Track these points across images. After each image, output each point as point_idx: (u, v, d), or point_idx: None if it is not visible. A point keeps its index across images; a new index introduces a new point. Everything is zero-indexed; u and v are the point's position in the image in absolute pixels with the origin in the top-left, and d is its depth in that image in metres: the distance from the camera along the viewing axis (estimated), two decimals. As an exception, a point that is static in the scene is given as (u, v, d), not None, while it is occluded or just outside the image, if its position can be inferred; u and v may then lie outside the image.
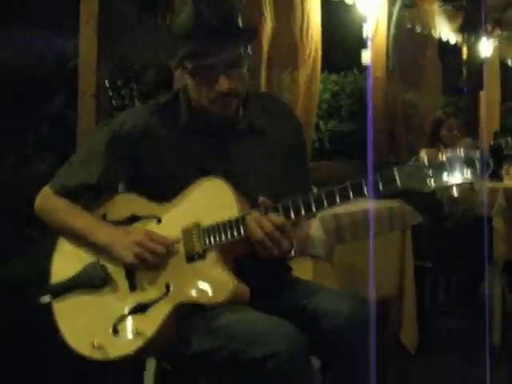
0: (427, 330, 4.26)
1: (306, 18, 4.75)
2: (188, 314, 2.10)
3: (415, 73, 6.80)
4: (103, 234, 2.19)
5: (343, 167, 5.68)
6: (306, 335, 1.99)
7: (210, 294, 2.07)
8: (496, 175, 4.80)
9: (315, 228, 3.07)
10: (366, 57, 5.75)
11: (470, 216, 4.63)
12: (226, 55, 2.10)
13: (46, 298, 2.22)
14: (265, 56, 4.51)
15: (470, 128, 7.03)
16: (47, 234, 2.40)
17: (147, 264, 2.11)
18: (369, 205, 3.59)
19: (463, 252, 4.52)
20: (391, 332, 3.84)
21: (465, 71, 8.27)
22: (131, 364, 2.71)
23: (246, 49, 2.15)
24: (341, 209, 3.36)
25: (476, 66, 7.92)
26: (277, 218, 2.02)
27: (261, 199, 2.06)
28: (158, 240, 2.12)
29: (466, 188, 4.65)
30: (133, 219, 2.22)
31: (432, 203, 4.51)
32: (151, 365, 2.48)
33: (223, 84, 2.10)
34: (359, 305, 2.11)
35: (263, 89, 4.45)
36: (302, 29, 4.74)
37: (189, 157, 2.20)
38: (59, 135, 3.89)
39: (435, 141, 5.14)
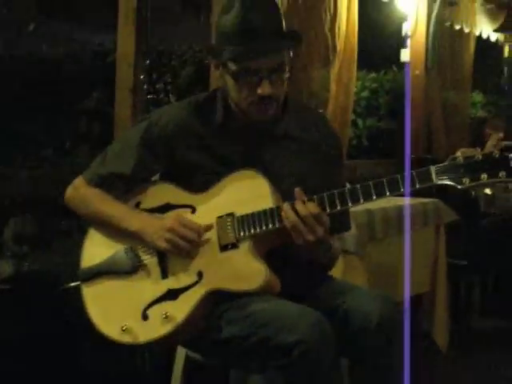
0: (461, 329, 4.23)
1: (337, 15, 4.67)
2: (218, 301, 2.11)
3: (454, 71, 6.71)
4: (136, 219, 2.20)
5: (380, 166, 5.65)
6: (336, 334, 1.99)
7: (243, 281, 2.08)
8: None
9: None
10: (406, 55, 5.72)
11: (507, 215, 4.59)
12: (271, 60, 2.10)
13: (74, 283, 2.25)
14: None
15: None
16: (83, 226, 2.43)
17: (179, 250, 2.13)
18: (403, 201, 3.59)
19: (499, 251, 4.48)
20: (423, 330, 3.83)
21: (506, 70, 8.17)
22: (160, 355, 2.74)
23: (289, 53, 2.15)
24: (373, 205, 3.35)
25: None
26: (312, 206, 2.04)
27: (296, 189, 2.07)
28: (191, 226, 2.13)
29: (502, 187, 4.64)
30: (167, 208, 2.23)
31: (468, 202, 4.48)
32: (181, 356, 2.50)
33: (265, 88, 2.09)
34: (391, 306, 2.10)
35: (298, 86, 4.43)
36: (333, 26, 4.67)
37: (221, 156, 2.21)
38: (97, 129, 3.94)
39: (477, 140, 5.08)
